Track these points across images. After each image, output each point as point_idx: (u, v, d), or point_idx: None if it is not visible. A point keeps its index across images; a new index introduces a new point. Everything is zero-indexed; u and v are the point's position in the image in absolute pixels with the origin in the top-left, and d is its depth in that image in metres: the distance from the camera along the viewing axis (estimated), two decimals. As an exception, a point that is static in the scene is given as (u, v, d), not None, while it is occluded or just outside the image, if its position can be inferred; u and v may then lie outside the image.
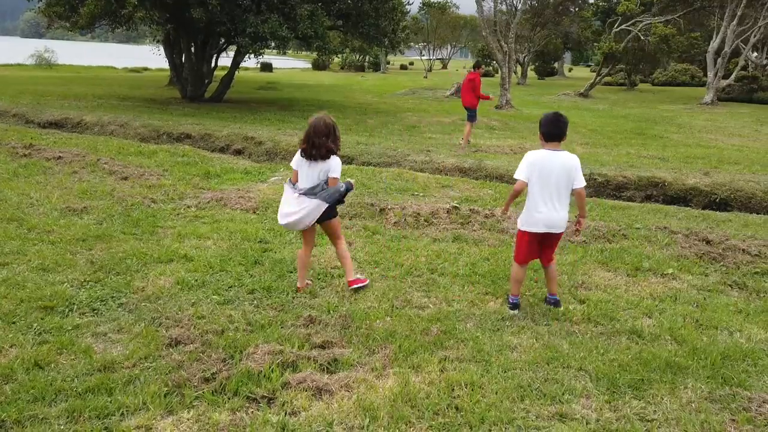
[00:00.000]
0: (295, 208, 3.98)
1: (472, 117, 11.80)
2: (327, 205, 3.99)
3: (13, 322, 3.60)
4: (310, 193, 3.98)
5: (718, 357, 3.51)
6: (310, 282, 4.43)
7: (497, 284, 4.56)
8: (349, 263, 4.32)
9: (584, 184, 4.02)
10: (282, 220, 4.08)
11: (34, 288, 4.06)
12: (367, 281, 4.39)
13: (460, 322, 3.89)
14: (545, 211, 3.93)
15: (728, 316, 4.20)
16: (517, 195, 4.04)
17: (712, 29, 27.64)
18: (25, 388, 2.92)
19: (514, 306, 4.10)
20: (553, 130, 3.96)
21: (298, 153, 4.09)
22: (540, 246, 4.11)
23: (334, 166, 4.01)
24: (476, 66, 12.39)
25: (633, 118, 19.06)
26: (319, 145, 3.94)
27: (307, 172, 4.03)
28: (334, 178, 4.01)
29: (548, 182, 3.91)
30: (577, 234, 4.55)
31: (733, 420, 2.94)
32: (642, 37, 27.52)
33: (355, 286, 4.28)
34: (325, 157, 3.97)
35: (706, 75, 28.59)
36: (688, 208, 7.97)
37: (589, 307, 4.20)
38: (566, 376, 3.25)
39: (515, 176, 4.01)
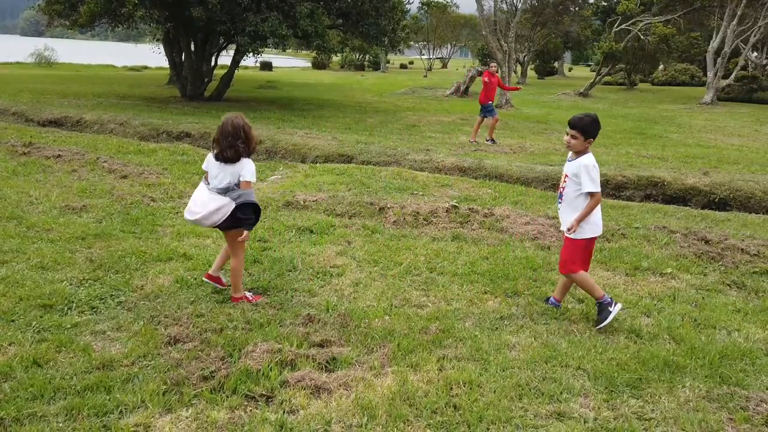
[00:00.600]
0: (202, 206, 3.79)
1: (485, 113, 12.29)
2: (234, 204, 3.77)
3: (12, 320, 3.60)
4: (222, 191, 3.80)
5: (717, 356, 3.52)
6: (225, 282, 4.21)
7: (496, 283, 4.57)
8: (236, 280, 4.02)
9: None
10: (188, 215, 3.86)
11: (33, 286, 4.06)
12: (258, 299, 4.05)
13: (459, 321, 3.90)
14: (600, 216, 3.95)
15: (727, 315, 4.20)
16: None
17: (712, 29, 27.64)
18: (23, 386, 2.92)
19: (610, 302, 3.90)
20: (598, 132, 3.96)
21: (210, 154, 3.94)
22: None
23: (246, 168, 3.83)
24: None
25: (633, 118, 19.06)
26: (225, 146, 3.78)
27: (218, 174, 3.85)
28: (246, 181, 3.82)
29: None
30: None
31: (731, 419, 2.95)
32: (642, 37, 27.51)
33: (236, 302, 3.98)
34: (234, 159, 3.80)
35: (705, 75, 28.59)
36: (688, 207, 7.98)
37: (588, 306, 4.21)
38: (564, 375, 3.26)
39: (596, 189, 3.79)
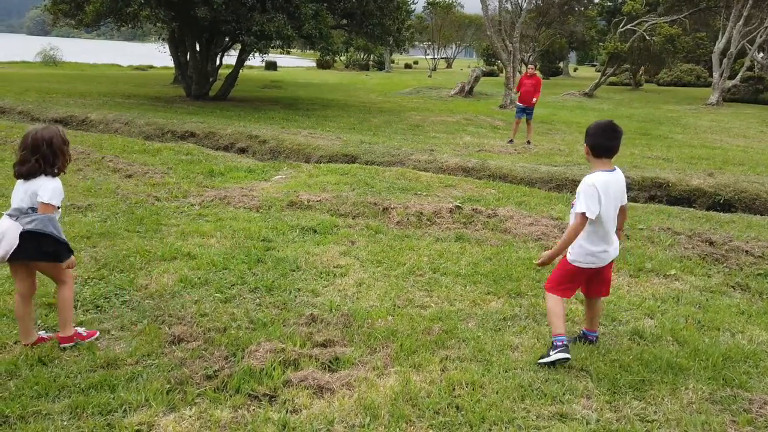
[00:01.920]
0: None
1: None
2: (21, 230, 3.10)
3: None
4: (14, 214, 3.17)
5: (720, 358, 3.51)
6: (45, 335, 3.39)
7: (499, 284, 4.57)
8: (65, 314, 3.33)
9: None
10: None
11: (38, 284, 4.07)
12: (94, 335, 3.43)
13: (462, 321, 3.90)
14: (605, 247, 3.38)
15: (730, 317, 4.19)
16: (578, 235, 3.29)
17: (718, 29, 27.54)
18: (28, 384, 2.95)
19: (561, 346, 3.36)
20: (606, 143, 3.29)
21: None
22: (589, 281, 3.52)
23: (43, 187, 3.16)
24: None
25: (637, 119, 19.01)
26: (19, 160, 3.19)
27: (16, 191, 3.23)
28: (43, 203, 3.15)
29: (609, 212, 3.31)
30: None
31: (734, 421, 2.94)
32: (647, 37, 27.43)
33: (66, 345, 3.29)
34: (26, 175, 3.18)
35: (711, 75, 28.48)
36: (692, 209, 7.95)
37: (591, 308, 4.20)
38: (567, 376, 3.26)
39: (583, 209, 3.21)
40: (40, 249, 3.18)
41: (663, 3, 29.05)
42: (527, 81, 12.62)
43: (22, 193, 3.20)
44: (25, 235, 3.11)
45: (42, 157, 3.18)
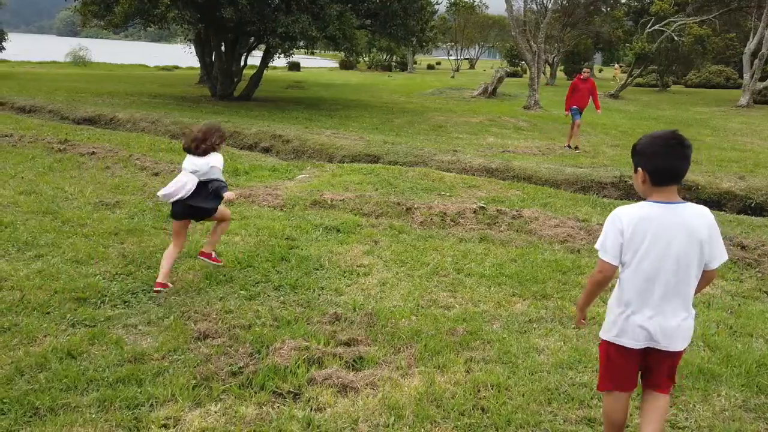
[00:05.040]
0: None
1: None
2: (197, 180, 4.11)
3: (48, 313, 3.69)
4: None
5: (753, 365, 3.41)
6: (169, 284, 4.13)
7: (524, 286, 4.51)
8: (216, 238, 4.56)
9: (725, 258, 2.27)
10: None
11: (68, 279, 4.15)
12: (220, 263, 4.57)
13: (487, 323, 3.86)
14: (652, 315, 2.25)
15: (764, 323, 4.08)
16: (603, 287, 2.39)
17: (749, 30, 26.93)
18: (58, 376, 2.99)
19: None
20: (672, 164, 2.21)
21: None
22: (643, 367, 2.41)
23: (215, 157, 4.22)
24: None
25: (665, 120, 18.67)
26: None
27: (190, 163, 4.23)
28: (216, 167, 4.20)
29: (662, 263, 2.22)
30: None
31: (769, 430, 2.86)
32: (676, 38, 26.95)
33: (205, 259, 4.49)
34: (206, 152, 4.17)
35: (741, 77, 27.85)
36: (723, 212, 7.78)
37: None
38: (595, 379, 3.19)
39: (602, 255, 2.28)
40: (208, 193, 4.10)
41: (692, 3, 28.50)
42: (582, 86, 12.16)
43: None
44: (199, 184, 4.09)
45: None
